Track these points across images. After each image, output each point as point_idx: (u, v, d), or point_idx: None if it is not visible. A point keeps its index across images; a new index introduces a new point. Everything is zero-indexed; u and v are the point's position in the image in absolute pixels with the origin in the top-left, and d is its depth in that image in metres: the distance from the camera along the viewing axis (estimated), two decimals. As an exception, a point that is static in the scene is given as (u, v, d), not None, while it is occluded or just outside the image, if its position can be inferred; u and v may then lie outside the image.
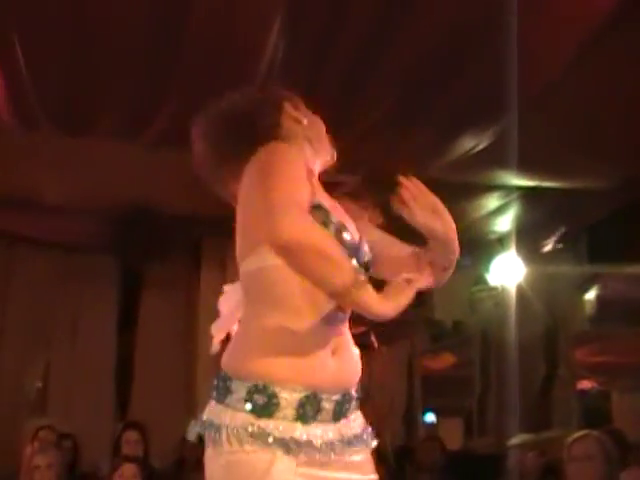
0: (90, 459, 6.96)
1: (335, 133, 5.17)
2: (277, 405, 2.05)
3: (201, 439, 5.82)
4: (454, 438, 10.15)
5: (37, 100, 5.00)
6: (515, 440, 5.89)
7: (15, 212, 7.14)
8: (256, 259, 2.12)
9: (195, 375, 7.66)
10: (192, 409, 7.51)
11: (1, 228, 7.44)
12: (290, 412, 2.06)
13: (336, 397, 2.13)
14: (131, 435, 6.05)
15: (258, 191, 2.05)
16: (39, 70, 4.72)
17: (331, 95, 4.89)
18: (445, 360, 11.16)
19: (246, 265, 2.18)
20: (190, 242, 7.76)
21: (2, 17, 4.35)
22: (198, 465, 6.54)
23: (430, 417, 11.93)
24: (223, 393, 2.15)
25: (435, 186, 6.32)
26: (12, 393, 7.55)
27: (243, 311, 2.25)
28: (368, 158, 5.55)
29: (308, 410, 2.08)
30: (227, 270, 7.79)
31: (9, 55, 4.55)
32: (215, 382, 2.20)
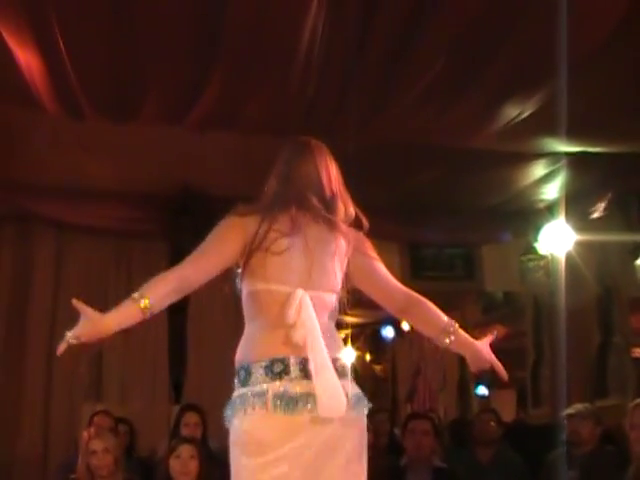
0: (147, 443, 7.02)
1: (382, 101, 5.14)
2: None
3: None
4: (507, 410, 10.12)
5: (81, 88, 5.02)
6: (570, 410, 5.83)
7: (64, 200, 7.21)
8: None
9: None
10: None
11: (51, 216, 7.52)
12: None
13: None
14: (190, 417, 6.09)
15: None
16: (82, 57, 4.74)
17: (378, 64, 4.85)
18: (497, 332, 11.11)
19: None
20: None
21: (43, 4, 4.36)
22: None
23: (482, 390, 11.92)
24: None
25: (481, 156, 6.28)
26: (67, 380, 7.64)
27: None
28: (415, 126, 5.50)
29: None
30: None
31: (52, 43, 4.56)
32: None
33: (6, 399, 7.42)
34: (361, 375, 13.51)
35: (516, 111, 5.53)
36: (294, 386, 2.75)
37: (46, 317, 7.65)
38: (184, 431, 5.98)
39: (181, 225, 7.03)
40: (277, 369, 2.77)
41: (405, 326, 11.63)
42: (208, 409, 6.24)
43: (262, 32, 4.62)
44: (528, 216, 7.88)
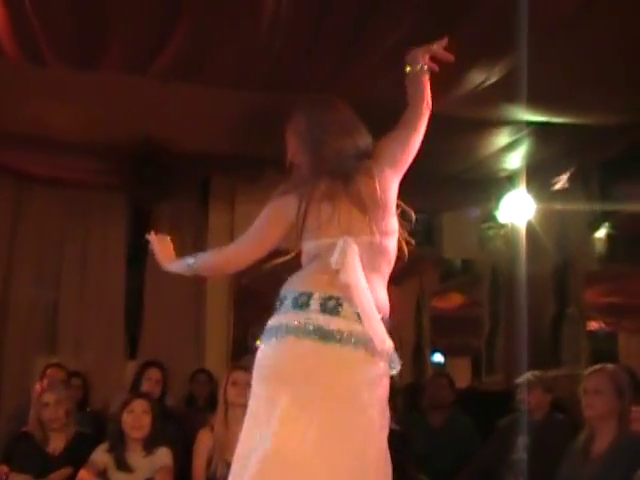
0: (100, 397, 7.01)
1: (350, 57, 5.06)
2: None
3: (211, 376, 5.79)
4: (462, 377, 10.21)
5: (43, 34, 4.91)
6: (520, 378, 5.90)
7: (23, 149, 7.10)
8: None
9: (204, 313, 7.68)
10: (201, 346, 7.56)
11: (9, 165, 7.41)
12: None
13: None
14: (153, 373, 6.12)
15: None
16: (44, 2, 4.64)
17: (345, 20, 4.80)
18: (454, 300, 11.19)
19: None
20: (199, 180, 7.73)
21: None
22: (206, 403, 6.59)
23: (438, 357, 12.01)
24: None
25: (444, 121, 6.27)
26: (21, 331, 7.58)
27: None
28: (379, 85, 5.47)
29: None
30: (235, 209, 7.78)
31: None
32: None
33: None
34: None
35: (480, 78, 5.51)
36: (313, 319, 2.88)
37: (1, 267, 7.57)
38: (145, 386, 5.99)
39: (142, 178, 6.96)
40: (302, 300, 2.91)
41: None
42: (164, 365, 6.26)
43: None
44: (490, 185, 7.90)
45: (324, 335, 2.84)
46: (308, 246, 2.99)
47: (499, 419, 5.98)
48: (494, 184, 7.89)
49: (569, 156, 7.12)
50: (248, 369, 5.48)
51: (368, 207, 2.95)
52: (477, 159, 7.30)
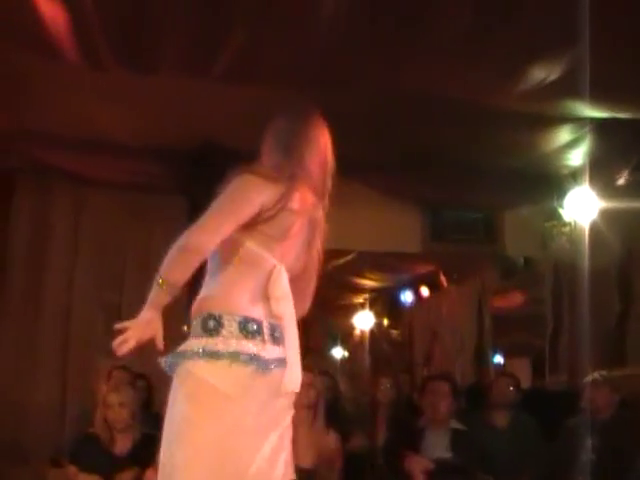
0: (164, 399, 7.04)
1: (403, 54, 5.07)
2: None
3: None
4: (523, 378, 10.12)
5: (103, 37, 4.97)
6: (587, 378, 5.82)
7: (83, 153, 7.17)
8: None
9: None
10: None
11: (69, 169, 7.48)
12: None
13: None
14: None
15: None
16: (105, 6, 4.68)
17: (400, 16, 4.78)
18: (515, 298, 11.08)
19: None
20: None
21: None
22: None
23: (498, 358, 11.93)
24: None
25: (506, 118, 6.20)
26: (85, 334, 7.65)
27: None
28: (436, 80, 5.44)
29: None
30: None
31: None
32: None
33: (24, 352, 7.45)
34: (378, 340, 13.55)
35: (543, 74, 5.47)
36: (265, 349, 2.80)
37: (64, 270, 7.66)
38: None
39: (200, 179, 6.99)
40: (251, 328, 2.80)
41: (424, 291, 11.62)
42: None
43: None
44: (552, 181, 7.80)
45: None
46: (249, 247, 2.84)
47: (563, 419, 5.90)
48: (557, 181, 7.79)
49: (632, 151, 7.02)
50: (311, 370, 5.50)
51: (314, 243, 2.99)
52: (539, 156, 7.22)
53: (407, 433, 5.66)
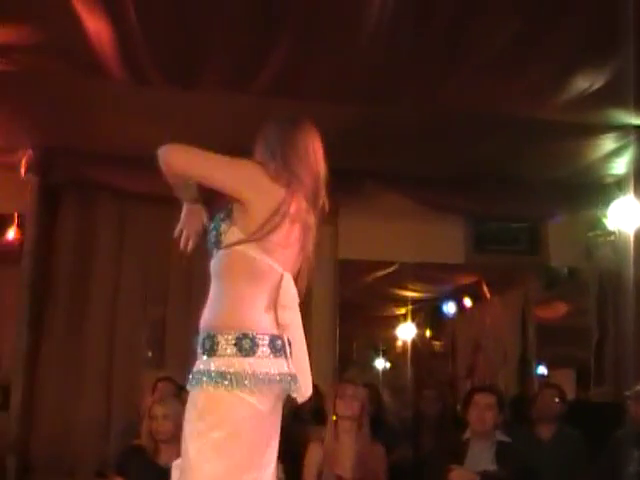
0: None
1: (448, 69, 5.10)
2: None
3: (317, 390, 5.78)
4: (566, 389, 10.02)
5: (147, 53, 5.02)
6: (633, 390, 5.76)
7: (127, 168, 7.23)
8: None
9: (310, 327, 7.68)
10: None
11: (114, 184, 7.55)
12: None
13: None
14: None
15: None
16: (149, 23, 4.74)
17: (445, 31, 4.78)
18: (559, 309, 10.98)
19: None
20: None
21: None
22: (312, 416, 6.61)
23: (541, 369, 11.81)
24: None
25: (550, 127, 6.17)
26: (130, 347, 7.71)
27: None
28: (482, 95, 5.44)
29: None
30: (338, 222, 7.81)
31: (120, 8, 4.57)
32: None
33: (69, 366, 7.51)
34: (420, 351, 13.49)
35: (586, 83, 5.45)
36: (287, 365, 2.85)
37: (108, 284, 7.72)
38: None
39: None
40: (279, 346, 2.84)
41: (467, 302, 11.56)
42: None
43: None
44: (596, 191, 7.76)
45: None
46: (258, 259, 2.85)
47: (609, 432, 5.83)
48: (601, 190, 7.75)
49: (677, 160, 6.95)
50: (355, 382, 5.52)
51: (307, 248, 3.01)
52: (583, 165, 7.18)
53: (452, 445, 5.63)
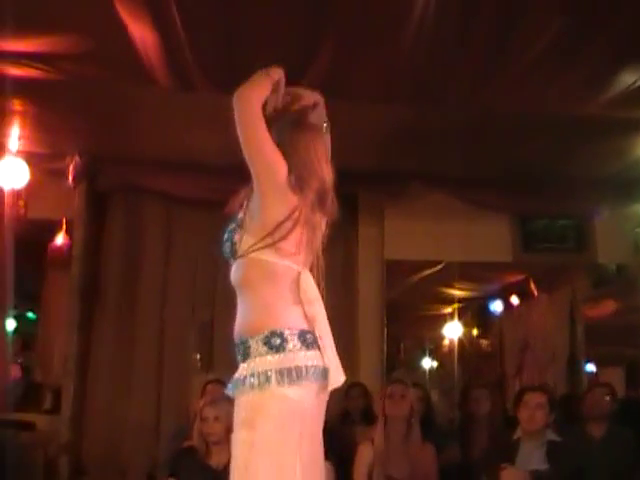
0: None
1: (492, 69, 5.07)
2: None
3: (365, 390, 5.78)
4: (615, 387, 9.93)
5: (192, 59, 5.06)
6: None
7: (174, 172, 7.30)
8: None
9: (357, 328, 7.71)
10: (355, 361, 7.57)
11: (161, 189, 7.62)
12: None
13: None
14: None
15: None
16: (194, 28, 4.77)
17: (488, 31, 4.77)
18: (607, 306, 10.88)
19: None
20: (348, 196, 7.77)
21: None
22: (361, 417, 6.61)
23: (590, 367, 11.71)
24: None
25: (597, 123, 6.13)
26: (178, 350, 7.77)
27: None
28: (526, 94, 5.41)
29: None
30: (384, 223, 7.80)
31: (165, 15, 4.61)
32: None
33: (120, 370, 7.59)
34: (468, 350, 13.43)
35: (632, 78, 5.40)
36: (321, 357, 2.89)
37: (157, 288, 7.80)
38: None
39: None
40: (309, 339, 2.88)
41: (514, 300, 11.49)
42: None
43: (372, 3, 4.60)
44: (644, 186, 7.69)
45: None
46: (277, 263, 2.94)
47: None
48: (649, 186, 7.67)
49: None
50: (404, 382, 5.51)
51: (316, 246, 3.04)
52: (631, 160, 7.11)
53: (502, 445, 5.60)
